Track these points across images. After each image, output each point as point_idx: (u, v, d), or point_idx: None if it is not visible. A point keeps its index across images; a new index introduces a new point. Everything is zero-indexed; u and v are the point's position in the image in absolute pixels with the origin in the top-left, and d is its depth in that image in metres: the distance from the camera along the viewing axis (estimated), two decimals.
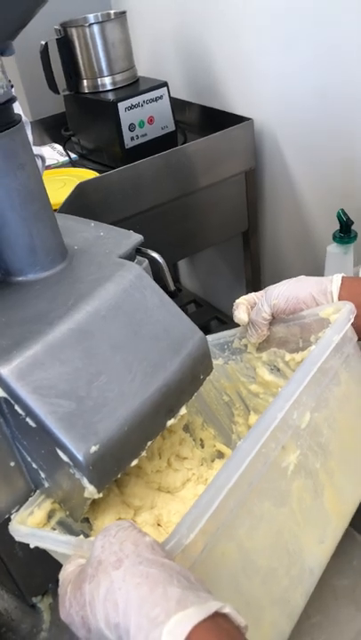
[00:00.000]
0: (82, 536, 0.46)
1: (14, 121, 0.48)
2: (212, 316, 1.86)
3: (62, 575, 0.41)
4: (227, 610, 0.34)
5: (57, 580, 0.65)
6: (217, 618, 0.34)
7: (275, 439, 0.45)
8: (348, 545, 0.64)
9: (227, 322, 1.83)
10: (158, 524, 0.56)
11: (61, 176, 1.29)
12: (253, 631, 0.35)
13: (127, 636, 0.34)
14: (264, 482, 0.45)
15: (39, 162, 1.08)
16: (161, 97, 1.30)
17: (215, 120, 1.39)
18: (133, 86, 1.32)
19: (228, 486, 0.41)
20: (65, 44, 1.26)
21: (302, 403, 0.48)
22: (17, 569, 0.58)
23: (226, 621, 0.34)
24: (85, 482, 0.46)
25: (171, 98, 1.32)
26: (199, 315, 1.88)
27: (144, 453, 0.51)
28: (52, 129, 1.52)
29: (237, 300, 0.66)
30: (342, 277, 0.60)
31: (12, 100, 0.48)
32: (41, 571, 0.61)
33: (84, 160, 1.39)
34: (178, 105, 1.41)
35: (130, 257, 0.58)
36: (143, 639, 0.33)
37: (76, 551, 0.43)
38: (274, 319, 0.63)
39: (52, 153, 1.42)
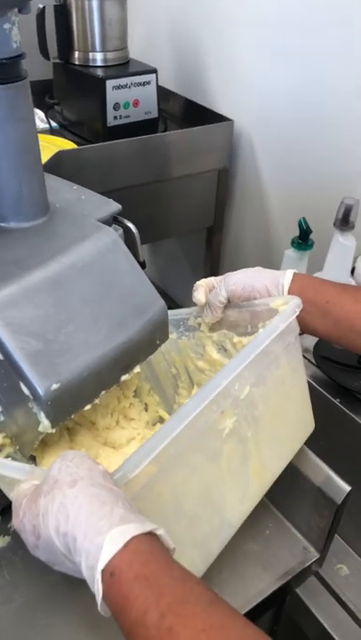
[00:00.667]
0: (33, 464, 0.50)
1: (21, 76, 0.52)
2: (166, 305, 1.90)
3: (17, 491, 0.45)
4: (160, 532, 0.40)
5: (2, 509, 0.68)
6: (151, 535, 0.39)
7: (216, 403, 0.51)
8: (263, 515, 0.71)
9: None
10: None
11: (40, 142, 1.30)
12: None
13: (74, 544, 0.39)
14: (202, 438, 0.51)
15: None
16: (149, 82, 1.34)
17: (197, 115, 1.44)
18: (124, 67, 1.35)
19: (171, 436, 0.46)
20: (62, 12, 1.28)
21: (244, 376, 0.54)
22: None
23: (158, 540, 0.40)
24: (42, 416, 0.50)
25: (158, 85, 1.36)
26: None
27: (97, 401, 0.55)
28: (37, 94, 1.51)
29: (198, 282, 0.72)
30: (294, 273, 0.67)
31: (21, 55, 0.51)
32: None
33: (64, 130, 1.41)
34: (163, 93, 1.45)
35: (107, 222, 0.63)
36: (88, 544, 0.38)
37: (27, 477, 0.47)
38: (229, 303, 0.68)
39: None
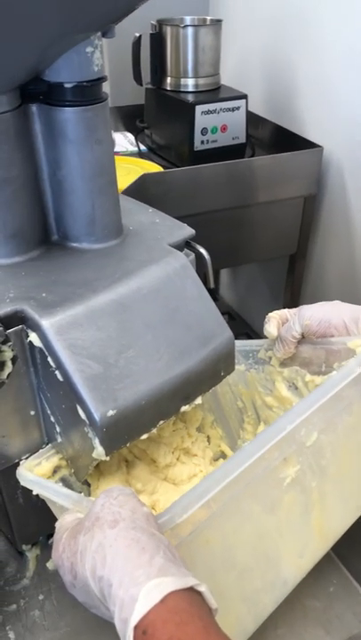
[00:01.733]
0: (82, 493, 0.49)
1: (101, 98, 0.52)
2: (243, 332, 1.87)
3: (60, 523, 0.44)
4: (202, 589, 0.36)
5: (49, 535, 0.68)
6: (192, 592, 0.36)
7: (279, 449, 0.47)
8: (327, 570, 0.65)
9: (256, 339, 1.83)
10: (153, 508, 0.58)
11: (128, 164, 1.33)
12: (219, 620, 0.37)
13: (109, 590, 0.37)
14: (260, 486, 0.47)
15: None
16: (238, 108, 1.33)
17: (286, 140, 1.41)
18: (214, 92, 1.36)
19: (226, 480, 0.43)
20: (157, 40, 1.31)
21: (312, 422, 0.50)
22: (15, 514, 0.61)
23: (199, 598, 0.36)
24: (97, 442, 0.49)
25: (247, 111, 1.35)
26: (231, 327, 1.88)
27: (155, 430, 0.53)
28: (128, 118, 1.56)
29: (270, 314, 0.68)
30: None
31: (103, 78, 0.51)
32: (36, 521, 0.64)
33: (151, 154, 1.43)
34: (252, 118, 1.44)
35: (179, 247, 0.61)
36: (123, 594, 0.35)
37: (74, 506, 0.46)
38: (303, 338, 0.64)
39: (123, 141, 1.46)
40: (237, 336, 1.91)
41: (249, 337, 1.85)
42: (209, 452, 0.64)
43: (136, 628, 0.34)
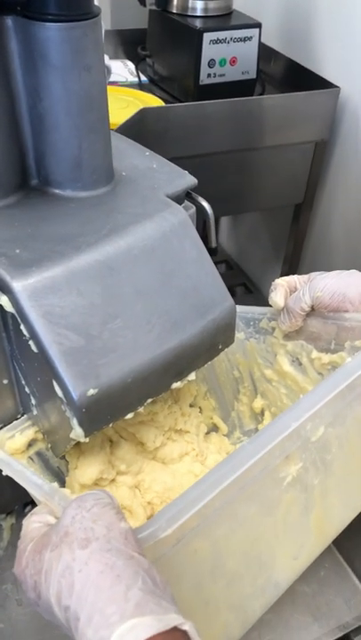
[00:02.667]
0: (56, 484, 0.44)
1: (92, 13, 0.43)
2: (240, 282, 1.80)
3: (25, 527, 0.39)
4: (186, 627, 0.31)
5: (24, 504, 0.64)
6: (175, 633, 0.31)
7: (281, 448, 0.42)
8: (321, 555, 0.61)
9: (253, 291, 1.77)
10: (137, 488, 0.53)
11: (126, 96, 1.21)
12: (204, 630, 0.33)
13: (75, 623, 0.31)
14: (257, 487, 0.42)
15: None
16: (250, 38, 1.21)
17: (300, 78, 1.29)
18: (224, 18, 1.23)
19: (219, 488, 0.37)
20: None
21: (320, 416, 0.44)
22: None
23: (183, 637, 0.31)
24: (75, 422, 0.43)
25: (260, 42, 1.22)
26: (228, 277, 1.82)
27: (141, 409, 0.47)
28: (129, 44, 1.43)
29: (277, 281, 0.60)
30: None
31: None
32: (10, 490, 0.59)
33: (153, 86, 1.31)
34: (265, 52, 1.31)
35: (178, 199, 0.53)
36: (91, 635, 0.30)
37: (46, 499, 0.41)
38: (312, 311, 0.58)
39: (123, 70, 1.34)
40: (234, 287, 1.83)
41: (246, 288, 1.79)
42: (203, 428, 0.59)
43: None
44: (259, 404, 0.65)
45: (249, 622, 0.47)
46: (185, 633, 0.31)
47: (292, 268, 1.52)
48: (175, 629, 0.30)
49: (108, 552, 0.33)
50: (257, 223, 1.75)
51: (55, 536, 0.35)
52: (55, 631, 0.55)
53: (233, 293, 1.86)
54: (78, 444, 0.52)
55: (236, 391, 0.66)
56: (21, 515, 0.64)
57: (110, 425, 0.46)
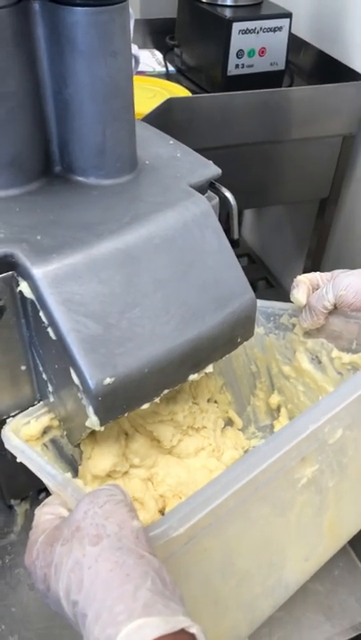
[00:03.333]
0: (69, 474, 0.44)
1: None
2: (262, 276, 1.79)
3: (37, 518, 0.39)
4: (194, 630, 0.31)
5: (39, 490, 0.64)
6: (182, 635, 0.30)
7: (297, 449, 0.41)
8: (335, 554, 0.61)
9: (274, 285, 1.75)
10: (150, 480, 0.53)
11: (153, 86, 1.21)
12: (212, 628, 0.32)
13: (83, 619, 0.32)
14: (271, 488, 0.41)
15: (133, 63, 1.01)
16: (280, 28, 1.19)
17: (330, 70, 1.27)
18: (254, 8, 1.21)
19: (233, 489, 0.37)
20: None
21: (339, 418, 0.43)
22: (3, 469, 0.57)
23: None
24: (90, 411, 0.43)
25: (290, 33, 1.20)
26: (250, 271, 1.81)
27: (157, 400, 0.47)
28: (158, 34, 1.42)
29: (299, 277, 0.59)
30: None
31: None
32: (26, 476, 0.59)
33: (180, 76, 1.30)
34: (295, 42, 1.29)
35: (201, 189, 0.53)
36: (98, 633, 0.30)
37: (58, 490, 0.41)
38: (335, 309, 0.57)
39: (151, 59, 1.33)
40: (256, 281, 1.82)
41: (268, 282, 1.77)
42: (220, 423, 0.58)
43: None
44: (275, 399, 0.64)
45: (257, 622, 0.47)
46: (192, 636, 0.31)
47: (315, 263, 1.50)
48: (182, 632, 0.30)
49: (118, 550, 0.32)
50: (281, 217, 1.73)
51: (67, 530, 0.35)
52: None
53: (254, 287, 1.85)
54: (94, 433, 0.53)
55: (252, 386, 0.66)
56: (36, 501, 0.65)
57: (125, 415, 0.46)
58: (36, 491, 0.64)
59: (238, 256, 1.73)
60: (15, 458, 0.48)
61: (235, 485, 0.36)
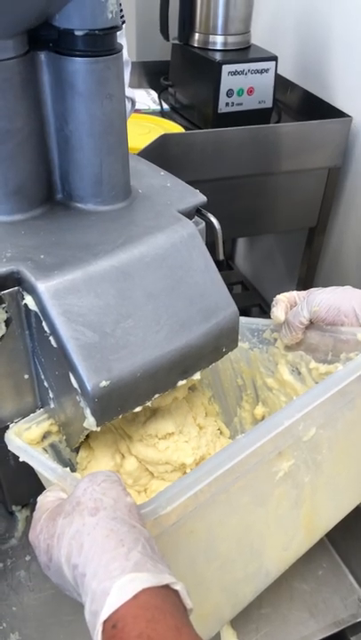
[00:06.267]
0: (68, 469, 0.48)
1: (114, 49, 0.48)
2: (255, 303, 1.84)
3: (41, 501, 0.43)
4: (178, 587, 0.35)
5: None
6: (167, 590, 0.35)
7: (274, 443, 0.45)
8: (318, 554, 0.65)
9: (268, 312, 1.79)
10: (144, 491, 0.57)
11: (149, 123, 1.28)
12: (197, 609, 0.36)
13: (82, 579, 0.36)
14: (251, 479, 0.46)
15: (129, 104, 1.08)
16: (267, 70, 1.27)
17: (314, 108, 1.35)
18: (243, 52, 1.29)
19: (215, 474, 0.41)
20: None
21: (312, 417, 0.48)
22: (5, 475, 0.61)
23: (174, 597, 0.35)
24: (88, 412, 0.47)
25: (276, 74, 1.29)
26: (243, 298, 1.86)
27: (149, 404, 0.51)
28: (153, 75, 1.51)
29: (278, 297, 0.65)
30: None
31: (116, 27, 0.47)
32: (27, 483, 0.63)
33: (174, 113, 1.38)
34: (281, 82, 1.37)
35: (189, 214, 0.58)
36: (95, 586, 0.34)
37: (59, 481, 0.45)
38: (311, 324, 0.62)
39: (146, 98, 1.41)
40: (250, 307, 1.87)
41: (261, 309, 1.82)
42: (217, 434, 0.62)
43: (106, 621, 0.33)
44: (260, 411, 0.68)
45: (239, 605, 0.50)
46: (176, 592, 0.35)
47: (305, 289, 1.55)
48: (167, 587, 0.34)
49: (113, 520, 0.37)
50: (272, 246, 1.80)
51: (68, 505, 0.39)
52: (64, 617, 0.59)
53: (248, 313, 1.89)
54: (93, 451, 0.57)
55: (239, 398, 0.70)
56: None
57: (120, 416, 0.50)
58: (36, 498, 0.68)
59: (232, 283, 1.80)
60: (16, 465, 0.52)
61: (216, 472, 0.40)
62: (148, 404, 0.52)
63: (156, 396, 0.52)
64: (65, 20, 0.45)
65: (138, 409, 0.51)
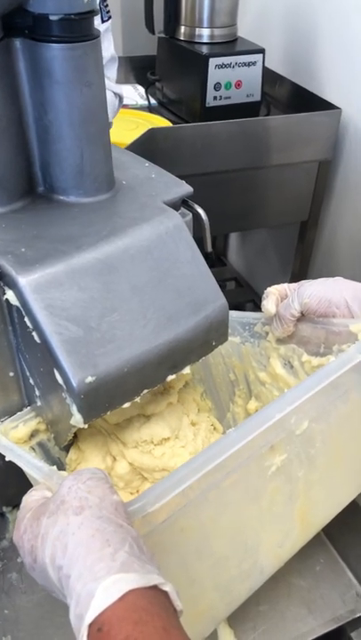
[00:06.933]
0: (55, 467, 0.47)
1: (91, 35, 0.47)
2: (249, 299, 1.83)
3: (25, 500, 0.42)
4: (167, 588, 0.34)
5: None
6: (156, 591, 0.33)
7: (265, 437, 0.44)
8: (315, 549, 0.63)
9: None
10: (137, 492, 0.55)
11: (136, 118, 1.27)
12: (190, 608, 0.35)
13: (66, 581, 0.34)
14: (243, 474, 0.44)
15: (116, 100, 1.06)
16: (254, 63, 1.26)
17: (303, 101, 1.34)
18: (230, 45, 1.28)
19: (205, 470, 0.40)
20: None
21: (304, 410, 0.47)
22: None
23: (163, 598, 0.34)
24: (74, 409, 0.46)
25: (264, 67, 1.28)
26: (237, 294, 1.86)
27: (137, 399, 0.50)
28: (139, 69, 1.49)
29: (269, 289, 0.64)
30: None
31: (92, 12, 0.46)
32: (17, 484, 0.62)
33: (162, 108, 1.37)
34: (269, 75, 1.36)
35: (175, 206, 0.57)
36: (80, 588, 0.33)
37: (45, 480, 0.43)
38: (303, 317, 0.60)
39: (133, 93, 1.40)
40: (244, 303, 1.86)
41: (255, 304, 1.81)
42: (210, 429, 0.61)
43: (91, 625, 0.32)
44: (253, 405, 0.67)
45: (234, 604, 0.49)
46: (165, 593, 0.33)
47: None
48: (156, 588, 0.33)
49: (99, 519, 0.35)
50: (264, 241, 1.79)
51: (52, 504, 0.37)
52: (57, 619, 0.58)
53: (242, 309, 1.89)
54: (83, 453, 0.55)
55: (231, 393, 0.69)
56: None
57: (108, 412, 0.49)
58: None
59: (226, 280, 1.78)
60: (6, 465, 0.51)
61: (205, 467, 0.39)
62: (137, 399, 0.50)
63: (145, 391, 0.50)
64: (40, 4, 0.44)
65: (126, 405, 0.50)
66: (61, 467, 0.56)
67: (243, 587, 0.49)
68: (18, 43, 0.46)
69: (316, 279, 0.60)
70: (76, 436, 0.57)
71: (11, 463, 0.49)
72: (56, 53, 0.46)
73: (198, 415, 0.62)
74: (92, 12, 0.45)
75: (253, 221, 1.45)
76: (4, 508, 0.65)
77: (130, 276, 0.49)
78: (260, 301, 1.81)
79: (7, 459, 0.48)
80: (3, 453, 0.49)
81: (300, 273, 1.55)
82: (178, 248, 0.52)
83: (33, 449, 0.54)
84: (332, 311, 0.58)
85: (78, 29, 0.45)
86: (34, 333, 0.46)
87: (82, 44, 0.46)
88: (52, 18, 0.44)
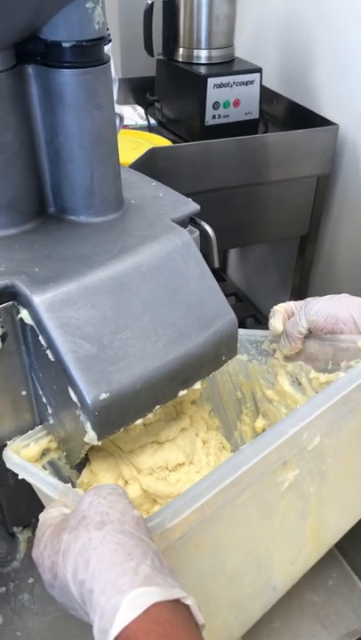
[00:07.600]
0: (69, 484, 0.47)
1: (102, 60, 0.48)
2: (249, 314, 1.84)
3: (44, 517, 0.42)
4: (189, 602, 0.34)
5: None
6: (178, 604, 0.34)
7: (278, 453, 0.45)
8: (328, 564, 0.63)
9: (263, 322, 1.80)
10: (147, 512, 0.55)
11: (136, 138, 1.29)
12: (206, 625, 0.35)
13: (89, 596, 0.34)
14: (256, 490, 0.45)
15: (117, 121, 1.08)
16: (252, 82, 1.28)
17: (301, 117, 1.36)
18: (227, 65, 1.31)
19: (220, 486, 0.40)
20: (170, 8, 1.25)
21: (316, 425, 0.47)
22: (5, 496, 0.60)
23: (185, 611, 0.34)
24: (88, 426, 0.46)
25: (262, 86, 1.30)
26: (238, 309, 1.85)
27: (150, 416, 0.51)
28: (139, 90, 1.52)
29: (275, 307, 0.65)
30: None
31: (103, 38, 0.47)
32: (28, 503, 0.62)
33: (161, 128, 1.39)
34: (267, 93, 1.39)
35: (182, 223, 0.58)
36: (104, 602, 0.33)
37: (60, 497, 0.44)
38: (310, 333, 0.61)
39: (133, 114, 1.42)
40: (244, 318, 1.87)
41: (256, 320, 1.82)
42: (220, 447, 0.61)
43: (117, 638, 0.32)
44: (260, 424, 0.67)
45: (248, 622, 0.49)
46: (187, 607, 0.33)
47: (299, 299, 1.55)
48: (178, 602, 0.33)
49: (120, 533, 0.36)
50: (264, 256, 1.80)
51: (73, 520, 0.38)
52: None
53: (243, 324, 1.89)
54: (96, 475, 0.55)
55: (239, 412, 0.69)
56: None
57: (121, 429, 0.49)
58: (37, 518, 0.66)
59: (226, 295, 1.79)
60: (16, 485, 0.51)
61: (220, 484, 0.39)
62: (150, 415, 0.51)
63: (157, 407, 0.51)
64: (52, 32, 0.45)
65: (138, 421, 0.50)
66: (73, 485, 0.56)
67: (256, 604, 0.49)
68: (30, 69, 0.47)
69: (323, 296, 0.61)
70: (87, 458, 0.58)
71: (21, 483, 0.49)
72: (68, 79, 0.47)
73: (208, 433, 0.62)
74: (102, 39, 0.47)
75: (254, 237, 1.47)
76: (15, 528, 0.65)
77: (141, 293, 0.50)
78: (261, 316, 1.82)
79: (20, 477, 0.49)
80: (16, 472, 0.49)
81: (300, 287, 1.56)
82: (187, 264, 0.53)
83: (44, 467, 0.54)
84: (340, 328, 0.59)
85: (89, 55, 0.46)
86: (48, 352, 0.46)
87: (93, 69, 0.47)
88: (64, 45, 0.45)
